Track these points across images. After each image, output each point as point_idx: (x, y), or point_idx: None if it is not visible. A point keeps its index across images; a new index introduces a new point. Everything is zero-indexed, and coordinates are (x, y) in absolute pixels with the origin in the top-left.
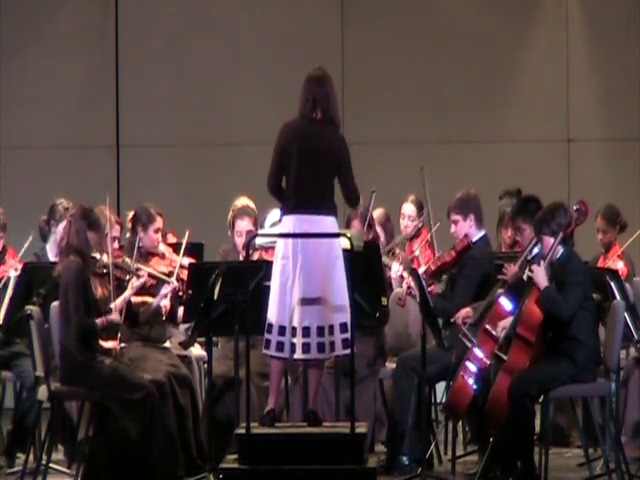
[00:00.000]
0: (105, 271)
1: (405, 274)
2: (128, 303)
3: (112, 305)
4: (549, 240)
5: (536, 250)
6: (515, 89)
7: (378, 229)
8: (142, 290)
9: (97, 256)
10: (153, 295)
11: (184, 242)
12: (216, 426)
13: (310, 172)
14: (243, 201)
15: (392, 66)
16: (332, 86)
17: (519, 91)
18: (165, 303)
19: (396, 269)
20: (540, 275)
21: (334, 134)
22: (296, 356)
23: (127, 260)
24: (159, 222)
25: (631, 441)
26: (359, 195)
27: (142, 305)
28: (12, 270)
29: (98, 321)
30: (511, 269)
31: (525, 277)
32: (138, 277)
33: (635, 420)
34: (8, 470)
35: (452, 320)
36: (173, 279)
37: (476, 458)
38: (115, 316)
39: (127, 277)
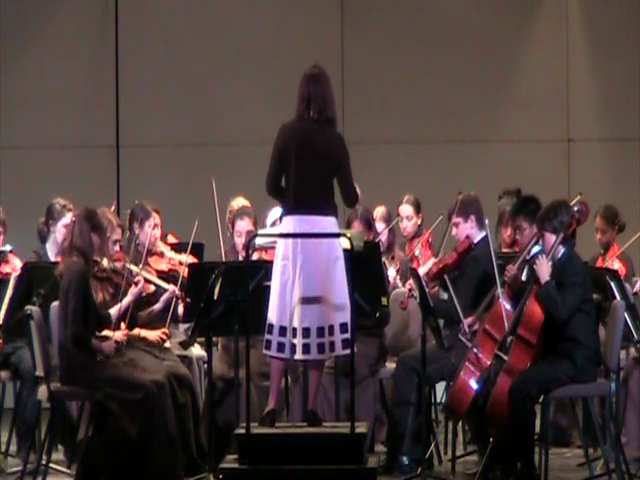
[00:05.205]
0: (105, 275)
1: (400, 282)
2: (127, 308)
3: (112, 310)
4: (551, 237)
5: (535, 250)
6: (515, 89)
7: (381, 226)
8: (144, 301)
9: (98, 259)
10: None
11: (193, 230)
12: (216, 426)
13: (309, 173)
14: (240, 201)
15: (392, 66)
16: (328, 83)
17: (519, 91)
18: (164, 330)
19: (393, 275)
20: (544, 268)
21: (331, 133)
22: (296, 357)
23: (129, 265)
24: (155, 218)
25: (631, 441)
26: (357, 195)
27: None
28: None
29: (93, 341)
30: (510, 270)
31: (524, 277)
32: (136, 284)
33: (635, 420)
34: (8, 470)
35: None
36: (171, 286)
37: (476, 458)
38: (108, 348)
39: (124, 283)
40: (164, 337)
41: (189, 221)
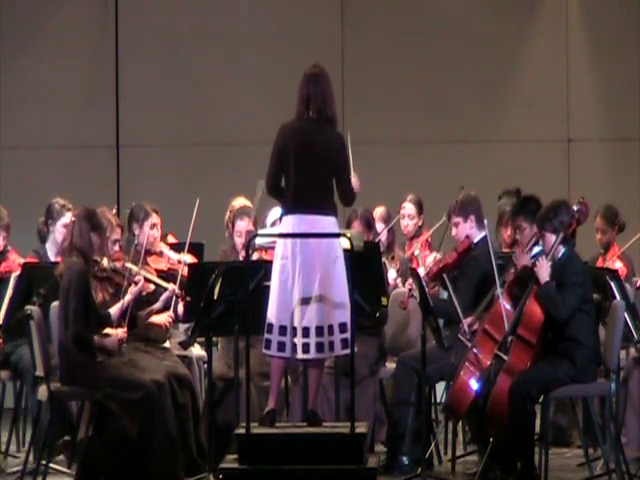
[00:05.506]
0: (105, 275)
1: (400, 283)
2: (127, 307)
3: (112, 310)
4: (551, 237)
5: (536, 249)
6: (515, 89)
7: (380, 227)
8: (143, 300)
9: (98, 259)
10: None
11: (194, 211)
12: (216, 426)
13: (308, 173)
14: (241, 201)
15: (392, 66)
16: (328, 83)
17: (519, 91)
18: (170, 314)
19: (393, 276)
20: (544, 269)
21: (331, 133)
22: (297, 356)
23: (128, 265)
24: (154, 218)
25: (631, 441)
26: (354, 195)
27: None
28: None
29: (95, 338)
30: (521, 257)
31: (530, 263)
32: (135, 284)
33: (635, 420)
34: (8, 470)
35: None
36: (171, 285)
37: (476, 458)
38: (111, 344)
39: (126, 282)
40: (170, 320)
41: (189, 221)
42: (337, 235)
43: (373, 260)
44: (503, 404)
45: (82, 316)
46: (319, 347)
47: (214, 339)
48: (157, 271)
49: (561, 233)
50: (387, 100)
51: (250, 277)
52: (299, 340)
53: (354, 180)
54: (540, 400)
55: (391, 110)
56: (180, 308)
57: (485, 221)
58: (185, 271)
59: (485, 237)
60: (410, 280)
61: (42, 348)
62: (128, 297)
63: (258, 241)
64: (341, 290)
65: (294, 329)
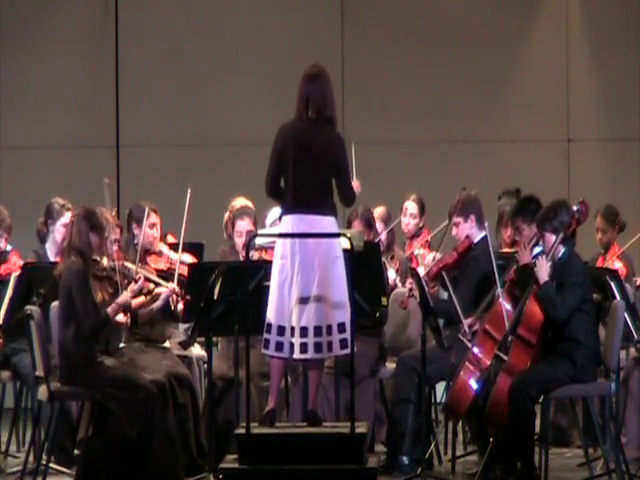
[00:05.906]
0: (105, 274)
1: (399, 283)
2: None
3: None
4: (551, 237)
5: (536, 250)
6: (515, 89)
7: (380, 227)
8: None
9: (98, 259)
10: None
11: (187, 202)
12: (216, 426)
13: (307, 173)
14: (241, 201)
15: (392, 66)
16: (328, 83)
17: (519, 91)
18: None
19: (392, 276)
20: (543, 269)
21: (330, 133)
22: (294, 356)
23: (128, 264)
24: (154, 218)
25: (631, 441)
26: (354, 195)
27: (142, 306)
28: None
29: (109, 310)
30: (524, 255)
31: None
32: (136, 282)
33: (635, 420)
34: (8, 470)
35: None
36: (170, 284)
37: (476, 458)
38: (122, 300)
39: (126, 281)
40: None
41: (189, 221)
42: (337, 235)
43: (373, 260)
44: (503, 404)
45: (92, 306)
46: (317, 347)
47: (214, 339)
48: (157, 271)
49: (561, 233)
50: (387, 100)
51: (250, 277)
52: (297, 340)
53: (356, 184)
54: (540, 400)
55: (391, 110)
56: (180, 307)
57: (486, 223)
58: (182, 270)
59: (485, 237)
60: (410, 280)
61: (42, 348)
62: (128, 294)
63: (258, 241)
64: (340, 290)
65: (292, 329)
